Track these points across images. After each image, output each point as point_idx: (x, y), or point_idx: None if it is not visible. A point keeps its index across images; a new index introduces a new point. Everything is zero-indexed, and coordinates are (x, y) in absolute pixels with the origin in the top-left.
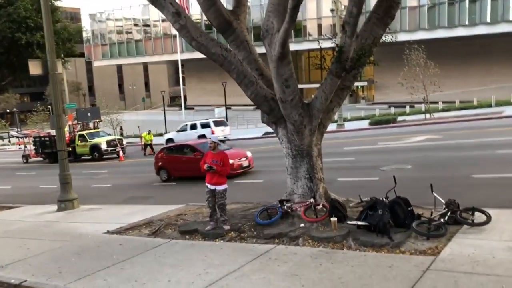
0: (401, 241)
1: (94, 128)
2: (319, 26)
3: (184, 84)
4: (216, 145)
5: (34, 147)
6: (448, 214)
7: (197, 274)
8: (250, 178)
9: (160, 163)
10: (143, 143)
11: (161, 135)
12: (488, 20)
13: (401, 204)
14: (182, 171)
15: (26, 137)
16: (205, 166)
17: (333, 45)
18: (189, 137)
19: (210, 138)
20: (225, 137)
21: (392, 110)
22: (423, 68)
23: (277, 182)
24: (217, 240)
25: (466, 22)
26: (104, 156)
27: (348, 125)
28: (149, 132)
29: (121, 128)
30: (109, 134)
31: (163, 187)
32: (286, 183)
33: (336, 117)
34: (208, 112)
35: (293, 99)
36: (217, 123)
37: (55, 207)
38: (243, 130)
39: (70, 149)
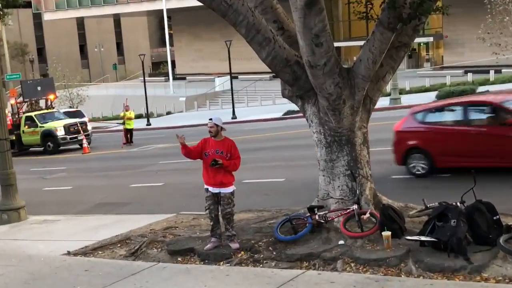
0: (484, 263)
1: (47, 107)
2: None
3: (171, 45)
4: (220, 130)
5: None
6: None
7: None
8: (267, 176)
9: (413, 141)
10: (124, 127)
11: (139, 117)
12: None
13: (483, 212)
14: (467, 156)
15: None
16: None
17: None
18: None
19: (210, 120)
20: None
21: (469, 77)
22: None
23: (305, 181)
24: (221, 263)
25: None
26: (62, 147)
27: (406, 99)
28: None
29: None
30: (70, 116)
31: (146, 189)
32: (318, 183)
33: (389, 87)
34: (206, 83)
35: (327, 63)
36: (71, 114)
37: None
38: (255, 108)
39: (14, 137)
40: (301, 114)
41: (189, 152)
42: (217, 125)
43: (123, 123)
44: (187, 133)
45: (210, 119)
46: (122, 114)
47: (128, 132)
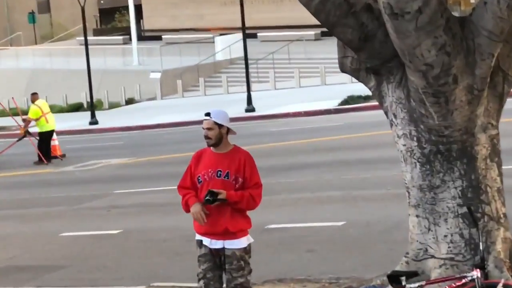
0: None
1: None
2: None
3: None
4: (224, 134)
5: None
6: None
7: None
8: (311, 217)
9: None
10: (23, 129)
11: (78, 109)
12: None
13: None
14: None
15: None
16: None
17: None
18: None
19: (207, 115)
20: None
21: None
22: None
23: (381, 225)
24: None
25: None
26: None
27: None
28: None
29: None
30: None
31: (90, 241)
32: (407, 229)
33: None
34: (198, 47)
35: (423, 9)
36: None
37: None
38: (288, 92)
39: None
40: (374, 103)
41: (185, 198)
42: (218, 125)
43: (25, 125)
44: (165, 139)
45: (207, 114)
46: (32, 111)
47: (46, 140)
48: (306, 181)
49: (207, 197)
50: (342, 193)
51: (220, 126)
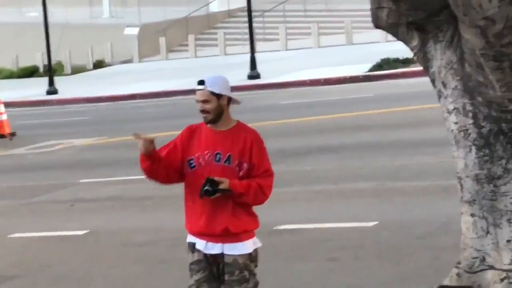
0: None
1: None
2: None
3: None
4: (224, 106)
5: None
6: None
7: None
8: (333, 215)
9: None
10: None
11: (32, 74)
12: None
13: None
14: None
15: None
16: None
17: None
18: None
19: (201, 83)
20: None
21: None
22: None
23: (424, 226)
24: None
25: None
26: None
27: None
28: None
29: None
30: None
31: (48, 245)
32: (461, 232)
33: None
34: None
35: None
36: None
37: None
38: (303, 54)
39: None
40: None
41: (154, 163)
42: (216, 95)
43: None
44: (143, 113)
45: (200, 83)
46: None
47: None
48: (326, 169)
49: (205, 188)
50: (373, 184)
51: (219, 96)
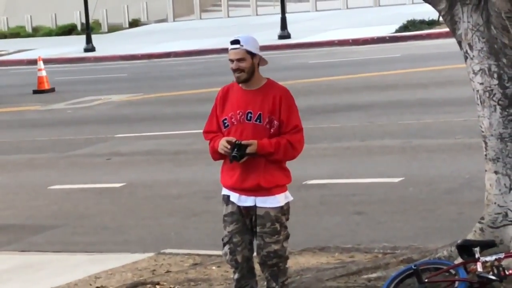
0: None
1: None
2: None
3: None
4: (255, 65)
5: None
6: None
7: None
8: (361, 171)
9: None
10: None
11: (70, 32)
12: None
13: None
14: None
15: None
16: (222, 143)
17: None
18: None
19: (236, 42)
20: None
21: None
22: None
23: (449, 183)
24: None
25: None
26: None
27: None
28: None
29: None
30: None
31: (87, 196)
32: (484, 188)
33: None
34: None
35: None
36: None
37: None
38: (332, 15)
39: None
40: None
41: (212, 143)
42: (251, 54)
43: None
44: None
45: (235, 42)
46: None
47: None
48: (354, 127)
49: (233, 153)
50: (400, 142)
51: (252, 55)
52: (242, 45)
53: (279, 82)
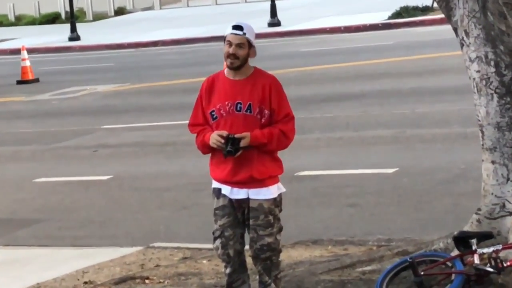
0: None
1: None
2: None
3: None
4: (249, 55)
5: None
6: None
7: None
8: (354, 162)
9: None
10: None
11: (54, 20)
12: None
13: None
14: None
15: None
16: (214, 137)
17: None
18: None
19: (238, 27)
20: None
21: None
22: None
23: (444, 173)
24: None
25: None
26: None
27: None
28: None
29: None
30: None
31: (73, 189)
32: (481, 178)
33: None
34: None
35: None
36: None
37: None
38: (319, 0)
39: None
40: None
41: (200, 136)
42: (249, 43)
43: None
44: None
45: (238, 27)
46: None
47: None
48: (347, 117)
49: (228, 148)
50: (394, 132)
51: (250, 46)
52: (245, 33)
53: (269, 71)
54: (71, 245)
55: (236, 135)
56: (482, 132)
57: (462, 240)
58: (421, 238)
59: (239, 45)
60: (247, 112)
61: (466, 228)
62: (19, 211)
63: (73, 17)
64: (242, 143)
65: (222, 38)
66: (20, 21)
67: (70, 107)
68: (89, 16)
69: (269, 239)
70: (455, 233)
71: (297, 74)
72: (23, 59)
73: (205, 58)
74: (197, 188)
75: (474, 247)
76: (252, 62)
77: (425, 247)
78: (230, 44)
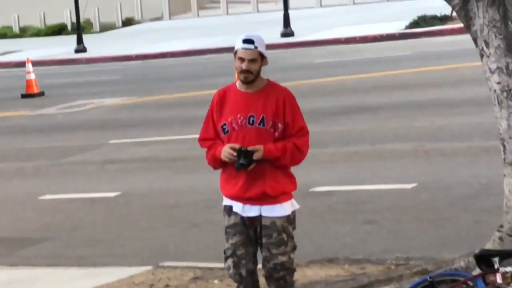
0: None
1: None
2: None
3: None
4: (262, 67)
5: None
6: None
7: None
8: (371, 177)
9: None
10: None
11: (59, 32)
12: None
13: None
14: None
15: None
16: (226, 150)
17: None
18: None
19: (249, 41)
20: None
21: None
22: None
23: (465, 189)
24: None
25: None
26: None
27: None
28: None
29: None
30: None
31: (79, 206)
32: (503, 194)
33: None
34: None
35: None
36: None
37: None
38: (339, 11)
39: None
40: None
41: (211, 151)
42: (261, 55)
43: None
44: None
45: (249, 41)
46: None
47: None
48: (363, 130)
49: (240, 161)
50: (412, 145)
51: (262, 57)
52: (256, 46)
53: (282, 83)
54: (77, 265)
55: (249, 148)
56: (504, 146)
57: (484, 259)
58: (441, 257)
59: (251, 60)
60: (260, 125)
61: (488, 246)
62: (23, 229)
63: (79, 28)
64: (255, 156)
65: (233, 49)
66: (24, 32)
67: (76, 121)
68: (96, 27)
69: (282, 258)
70: (477, 251)
71: (311, 86)
72: (28, 72)
73: (216, 69)
74: (208, 205)
75: (496, 266)
76: (264, 74)
77: (445, 265)
78: (242, 59)
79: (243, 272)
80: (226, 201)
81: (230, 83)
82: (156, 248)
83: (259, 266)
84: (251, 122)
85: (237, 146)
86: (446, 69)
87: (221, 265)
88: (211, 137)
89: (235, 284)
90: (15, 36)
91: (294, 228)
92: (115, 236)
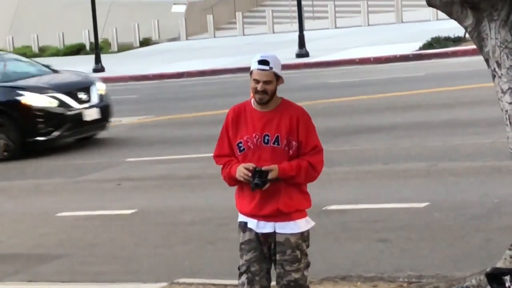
0: None
1: None
2: None
3: None
4: (276, 88)
5: None
6: None
7: None
8: (384, 196)
9: None
10: None
11: (78, 52)
12: None
13: None
14: None
15: None
16: (241, 169)
17: None
18: None
19: (264, 61)
20: None
21: None
22: None
23: (474, 207)
24: None
25: None
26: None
27: None
28: None
29: None
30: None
31: (95, 224)
32: None
33: None
34: None
35: None
36: None
37: None
38: (353, 32)
39: None
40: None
41: (226, 169)
42: (276, 76)
43: None
44: (191, 92)
45: (264, 63)
46: None
47: None
48: (377, 149)
49: (255, 181)
50: (425, 165)
51: (277, 78)
52: (271, 67)
53: (297, 103)
54: (93, 281)
55: (264, 168)
56: None
57: (495, 277)
58: (453, 275)
59: (266, 82)
60: (275, 144)
61: (499, 264)
62: (41, 246)
63: (97, 48)
64: (270, 176)
65: (249, 69)
66: (44, 52)
67: (94, 139)
68: (114, 47)
69: (296, 275)
70: (488, 269)
71: (326, 106)
72: None
73: (232, 89)
74: (223, 223)
75: (507, 284)
76: (279, 94)
77: (457, 283)
78: (258, 81)
79: (257, 286)
80: (241, 218)
81: (244, 101)
82: (171, 265)
83: (273, 283)
84: (266, 141)
85: (251, 166)
86: (459, 89)
87: (235, 282)
88: (226, 154)
89: None
90: (34, 55)
91: (307, 246)
92: (131, 253)
